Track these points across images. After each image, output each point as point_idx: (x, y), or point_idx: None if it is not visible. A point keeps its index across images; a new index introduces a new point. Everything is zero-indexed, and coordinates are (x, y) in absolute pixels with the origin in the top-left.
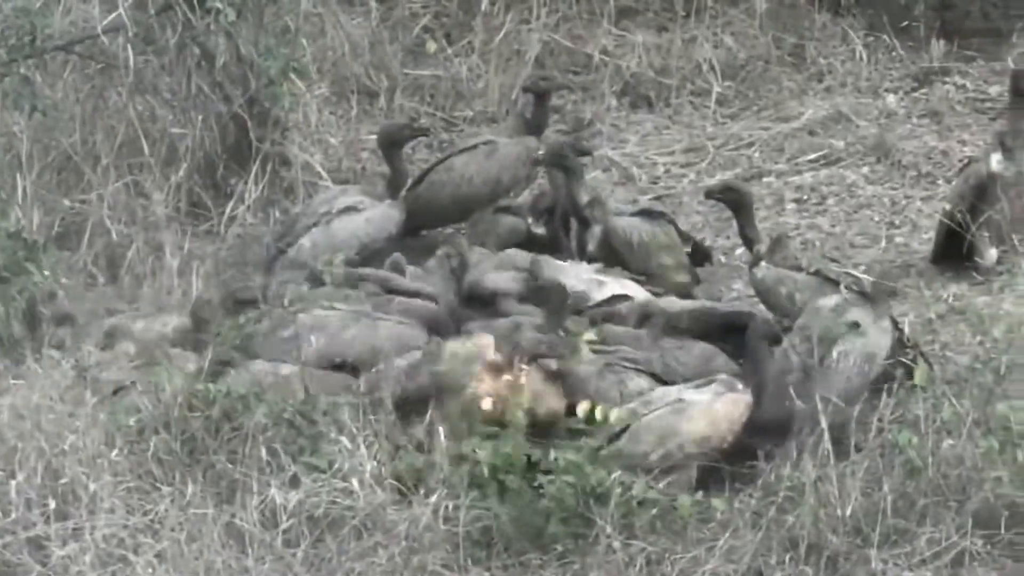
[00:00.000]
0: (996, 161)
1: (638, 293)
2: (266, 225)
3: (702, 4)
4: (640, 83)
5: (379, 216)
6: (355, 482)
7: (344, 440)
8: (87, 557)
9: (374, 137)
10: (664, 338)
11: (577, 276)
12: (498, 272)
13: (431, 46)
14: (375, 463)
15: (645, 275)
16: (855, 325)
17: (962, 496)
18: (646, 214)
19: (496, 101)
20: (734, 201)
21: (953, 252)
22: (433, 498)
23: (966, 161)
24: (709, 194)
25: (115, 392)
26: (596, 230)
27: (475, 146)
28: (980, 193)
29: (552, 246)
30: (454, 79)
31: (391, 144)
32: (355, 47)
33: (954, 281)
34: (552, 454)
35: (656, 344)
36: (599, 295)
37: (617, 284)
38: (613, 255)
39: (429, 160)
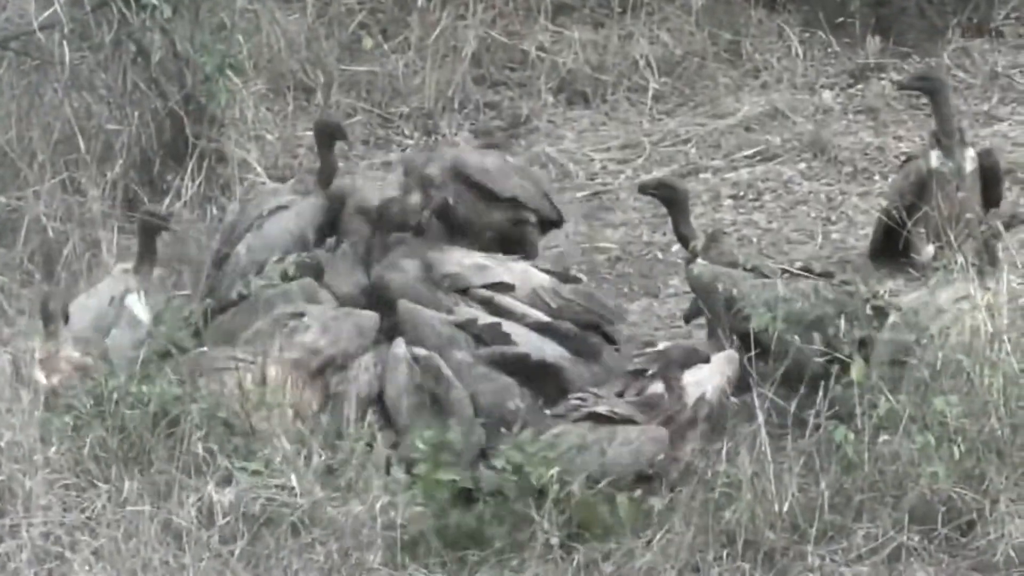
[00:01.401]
0: (935, 157)
1: (525, 277)
2: (203, 221)
3: (638, 0)
4: (577, 79)
5: (307, 207)
6: (293, 479)
7: (283, 440)
8: (24, 554)
9: (311, 133)
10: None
11: (458, 262)
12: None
13: (367, 42)
14: (316, 459)
15: None
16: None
17: (899, 492)
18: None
19: (432, 97)
20: (668, 197)
21: (890, 248)
22: (371, 495)
23: (905, 157)
24: (643, 189)
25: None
26: None
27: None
28: (920, 189)
29: None
30: (390, 75)
31: (328, 136)
32: (291, 43)
33: (890, 277)
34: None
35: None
36: (479, 280)
37: (502, 268)
38: None
39: (365, 155)
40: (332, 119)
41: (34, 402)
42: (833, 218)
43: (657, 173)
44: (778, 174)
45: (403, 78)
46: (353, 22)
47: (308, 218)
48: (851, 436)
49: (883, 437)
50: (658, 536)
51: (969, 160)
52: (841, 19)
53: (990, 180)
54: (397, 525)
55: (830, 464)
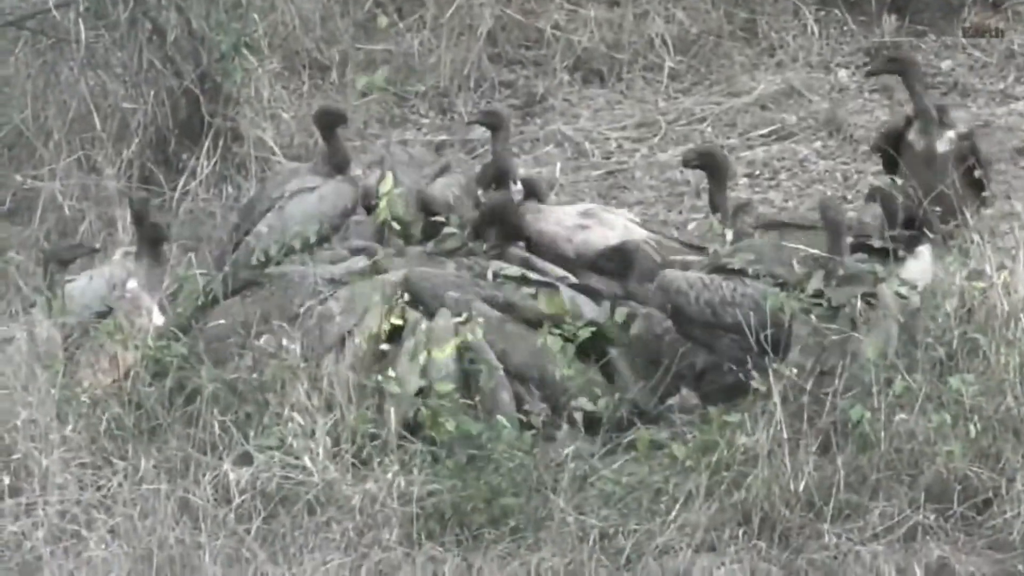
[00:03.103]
0: (913, 131)
1: (626, 231)
2: (218, 200)
3: None
4: (592, 58)
5: (332, 192)
6: (306, 459)
7: (296, 416)
8: (40, 533)
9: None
10: None
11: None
12: None
13: (382, 20)
14: (328, 439)
15: None
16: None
17: (915, 470)
18: None
19: (448, 76)
20: (708, 165)
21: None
22: (388, 474)
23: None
24: (686, 163)
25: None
26: None
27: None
28: (888, 141)
29: None
30: (406, 54)
31: (330, 124)
32: (306, 22)
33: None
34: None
35: None
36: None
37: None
38: None
39: (380, 134)
40: (331, 107)
41: (50, 380)
42: (849, 196)
43: (674, 152)
44: (794, 153)
45: (418, 56)
46: (368, 0)
47: (332, 202)
48: (867, 415)
49: (899, 416)
50: (674, 514)
51: (945, 141)
52: None
53: (970, 163)
54: (413, 501)
55: (846, 443)
